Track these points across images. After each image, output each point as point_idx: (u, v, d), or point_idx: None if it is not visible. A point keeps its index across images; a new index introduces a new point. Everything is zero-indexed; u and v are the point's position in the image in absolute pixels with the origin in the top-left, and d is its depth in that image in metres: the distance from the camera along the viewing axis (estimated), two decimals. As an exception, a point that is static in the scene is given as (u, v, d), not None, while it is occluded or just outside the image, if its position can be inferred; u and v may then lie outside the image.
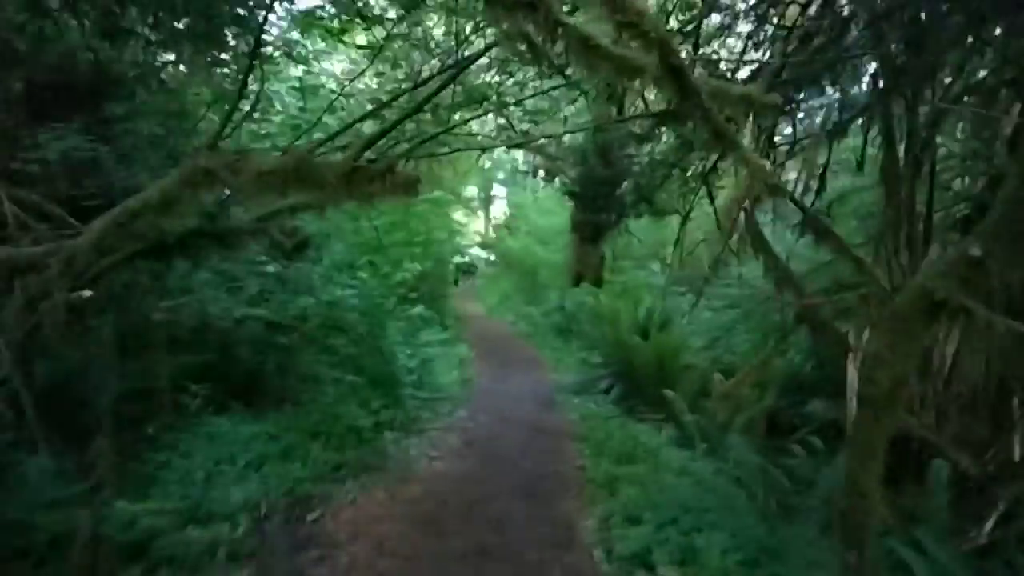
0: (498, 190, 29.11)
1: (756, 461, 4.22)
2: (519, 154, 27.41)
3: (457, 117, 5.33)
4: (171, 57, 6.11)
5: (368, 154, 4.13)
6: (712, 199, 8.17)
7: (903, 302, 3.06)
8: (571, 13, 3.05)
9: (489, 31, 4.96)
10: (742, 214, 11.72)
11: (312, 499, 4.50)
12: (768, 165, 7.35)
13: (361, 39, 6.88)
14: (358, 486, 4.72)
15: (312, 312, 6.49)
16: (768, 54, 6.78)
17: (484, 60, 6.82)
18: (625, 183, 7.18)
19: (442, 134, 4.53)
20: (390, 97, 4.71)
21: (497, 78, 6.43)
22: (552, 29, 2.75)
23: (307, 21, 6.65)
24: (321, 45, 8.22)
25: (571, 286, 14.12)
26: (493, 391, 7.90)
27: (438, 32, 5.68)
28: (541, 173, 25.43)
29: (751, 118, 5.21)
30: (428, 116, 5.49)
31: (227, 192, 4.42)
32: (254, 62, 3.83)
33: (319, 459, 5.05)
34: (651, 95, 7.83)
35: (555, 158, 15.34)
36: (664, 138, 7.16)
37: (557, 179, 19.50)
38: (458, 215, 21.26)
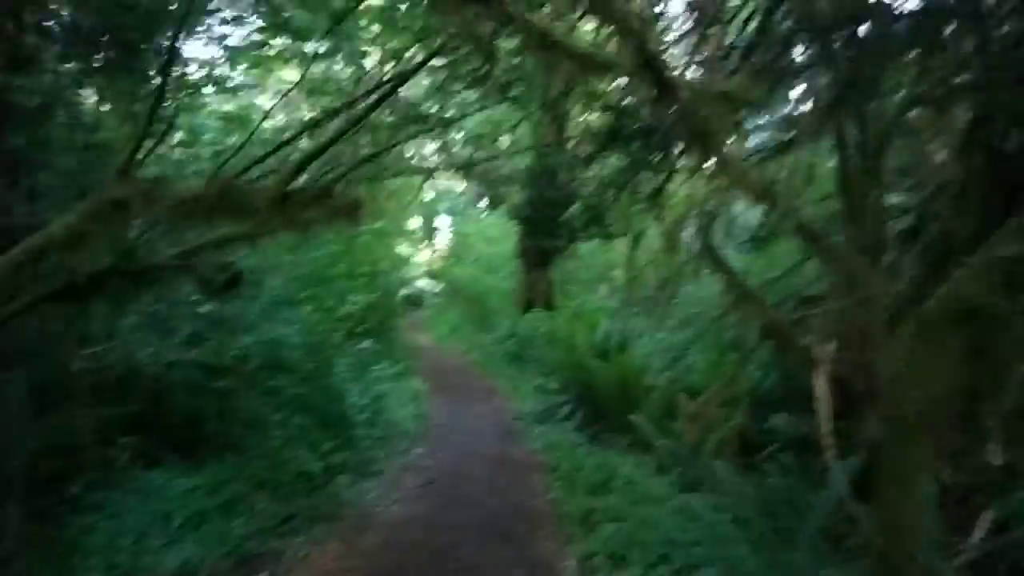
0: (442, 221, 28.82)
1: (741, 485, 3.94)
2: (462, 184, 27.25)
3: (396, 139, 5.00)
4: (82, 90, 5.66)
5: (304, 181, 3.79)
6: (660, 219, 8.01)
7: (932, 310, 2.80)
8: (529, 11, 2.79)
9: (427, 47, 4.74)
10: (689, 233, 11.61)
11: (259, 558, 4.02)
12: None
13: (293, 74, 6.61)
14: (310, 539, 4.24)
15: (252, 352, 6.00)
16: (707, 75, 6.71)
17: (423, 82, 6.60)
18: (574, 205, 6.97)
19: (380, 154, 4.20)
20: (322, 115, 4.36)
21: (437, 102, 6.18)
22: (506, 22, 2.47)
23: (235, 53, 6.29)
24: (251, 78, 7.89)
25: (521, 312, 13.85)
26: (451, 424, 7.48)
27: (372, 49, 5.42)
28: (484, 201, 25.29)
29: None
30: (365, 139, 5.18)
31: (147, 226, 3.99)
32: (165, 83, 3.43)
33: (265, 511, 4.56)
34: (594, 116, 7.69)
35: (499, 184, 15.16)
36: (612, 159, 6.98)
37: (502, 206, 19.35)
38: (403, 247, 20.87)
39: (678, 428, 6.13)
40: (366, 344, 7.13)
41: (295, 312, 6.08)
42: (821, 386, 5.47)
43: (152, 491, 4.64)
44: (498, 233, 18.33)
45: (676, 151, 7.02)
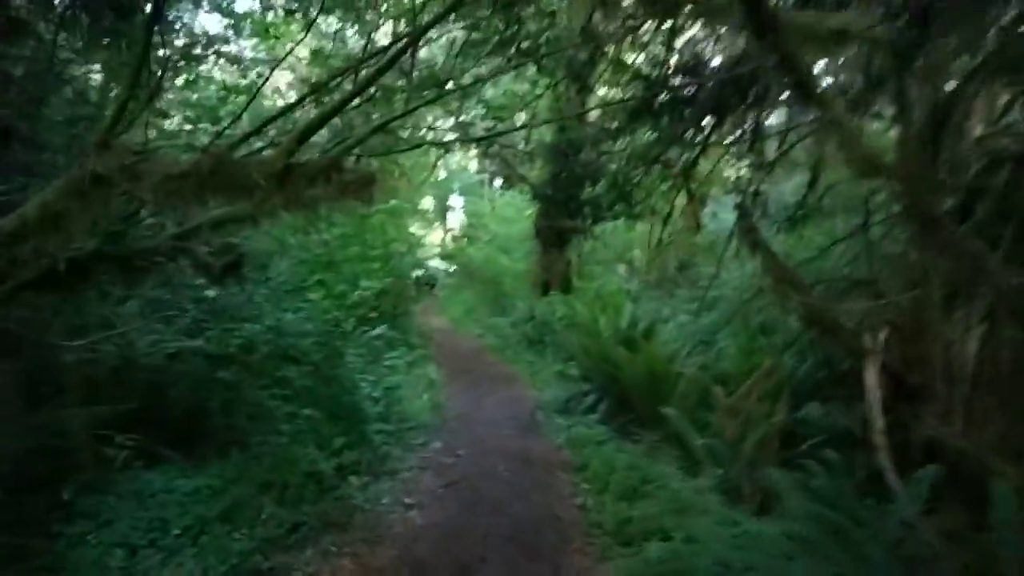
0: (454, 201, 28.29)
1: (802, 501, 3.49)
2: (475, 163, 26.67)
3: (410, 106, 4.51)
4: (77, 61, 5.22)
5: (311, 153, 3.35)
6: (691, 196, 7.49)
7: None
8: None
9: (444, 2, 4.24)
10: (714, 211, 10.95)
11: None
12: (761, 158, 6.75)
13: (304, 50, 6.19)
14: (319, 553, 3.84)
15: (258, 341, 5.60)
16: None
17: (440, 45, 6.11)
18: (600, 182, 6.47)
19: (395, 121, 3.72)
20: (328, 79, 3.87)
21: (455, 68, 5.69)
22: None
23: (238, 18, 5.82)
24: (262, 52, 7.43)
25: (538, 295, 13.40)
26: (469, 415, 7.07)
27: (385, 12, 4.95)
28: (498, 181, 24.73)
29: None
30: (377, 109, 4.72)
31: (137, 205, 3.55)
32: (149, 42, 2.97)
33: (271, 519, 4.18)
34: (622, 88, 7.17)
35: (517, 162, 14.63)
36: (640, 133, 6.48)
37: (518, 186, 18.81)
38: (416, 227, 20.41)
39: (713, 423, 5.69)
40: (379, 331, 6.70)
41: (303, 298, 5.65)
42: (871, 378, 5.00)
43: (150, 494, 4.29)
44: (513, 213, 17.84)
45: (709, 125, 6.52)
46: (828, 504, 4.19)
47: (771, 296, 6.20)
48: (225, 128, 3.78)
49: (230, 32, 6.38)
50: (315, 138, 3.34)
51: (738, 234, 5.94)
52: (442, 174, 24.89)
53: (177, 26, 6.03)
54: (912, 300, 5.06)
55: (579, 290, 12.29)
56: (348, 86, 3.48)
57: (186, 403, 5.29)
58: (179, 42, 5.94)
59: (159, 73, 3.79)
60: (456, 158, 26.37)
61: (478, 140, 6.56)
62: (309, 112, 3.92)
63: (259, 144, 3.13)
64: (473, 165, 26.51)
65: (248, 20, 6.09)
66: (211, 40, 6.10)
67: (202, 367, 5.46)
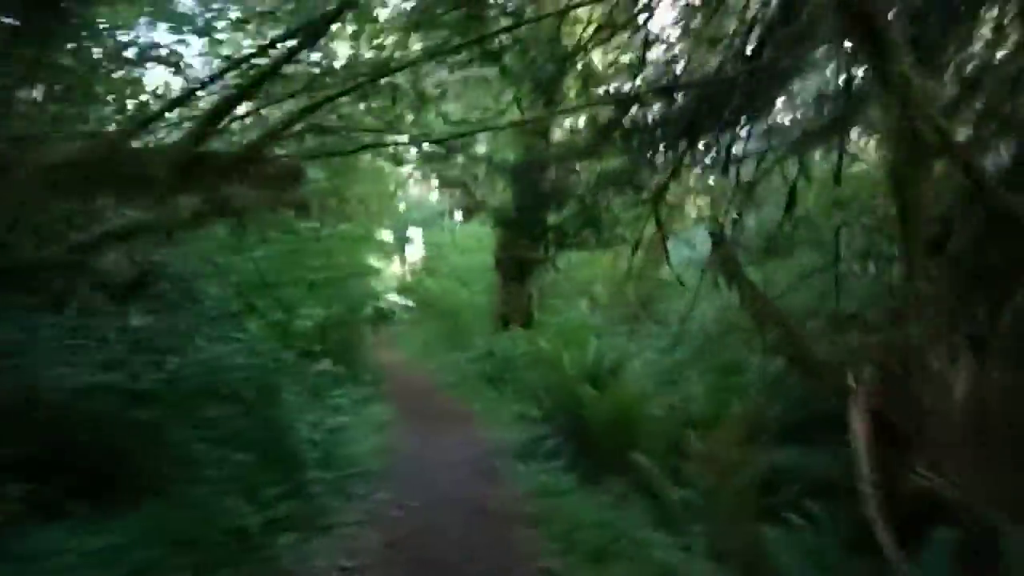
0: (414, 233, 27.70)
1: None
2: (435, 194, 26.23)
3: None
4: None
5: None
6: (660, 224, 7.15)
7: None
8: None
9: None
10: (679, 241, 10.58)
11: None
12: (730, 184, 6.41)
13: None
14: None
15: (183, 376, 4.94)
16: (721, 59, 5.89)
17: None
18: (566, 205, 6.04)
19: (322, 105, 3.18)
20: (256, 50, 3.33)
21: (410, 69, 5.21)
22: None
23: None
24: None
25: (498, 329, 12.87)
26: (420, 459, 6.45)
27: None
28: (459, 214, 24.30)
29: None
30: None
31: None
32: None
33: (185, 585, 3.52)
34: (587, 105, 6.81)
35: (475, 189, 14.20)
36: (611, 154, 6.09)
37: (478, 217, 18.38)
38: (373, 258, 19.80)
39: (685, 470, 5.20)
40: (324, 365, 6.08)
41: (236, 327, 5.02)
42: (856, 421, 4.58)
43: (39, 557, 3.60)
44: (474, 244, 17.37)
45: (682, 147, 6.16)
46: (819, 566, 3.75)
47: (748, 331, 5.81)
48: (119, 113, 3.22)
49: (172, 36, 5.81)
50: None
51: (713, 264, 5.55)
52: (401, 207, 24.37)
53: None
54: (899, 336, 4.69)
55: (541, 325, 11.81)
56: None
57: (98, 446, 4.60)
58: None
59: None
60: (416, 191, 25.94)
61: (433, 141, 6.04)
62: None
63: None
64: (434, 196, 26.07)
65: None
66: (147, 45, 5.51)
67: (118, 405, 4.80)
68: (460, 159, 8.80)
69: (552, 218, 6.46)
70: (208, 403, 5.10)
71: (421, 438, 7.32)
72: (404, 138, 6.37)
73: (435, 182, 25.90)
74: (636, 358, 7.62)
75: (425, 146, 7.27)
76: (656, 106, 5.95)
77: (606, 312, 12.42)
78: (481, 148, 9.74)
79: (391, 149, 6.67)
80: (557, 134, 7.60)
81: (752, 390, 6.67)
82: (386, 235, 25.62)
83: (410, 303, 22.63)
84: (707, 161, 6.38)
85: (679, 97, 5.87)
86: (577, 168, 6.11)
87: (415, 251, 27.85)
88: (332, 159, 9.15)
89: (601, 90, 5.88)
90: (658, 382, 7.47)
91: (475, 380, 10.73)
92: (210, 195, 2.73)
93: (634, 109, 5.95)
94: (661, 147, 6.12)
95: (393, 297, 25.25)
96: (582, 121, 6.45)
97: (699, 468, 5.03)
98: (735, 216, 6.94)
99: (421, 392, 10.56)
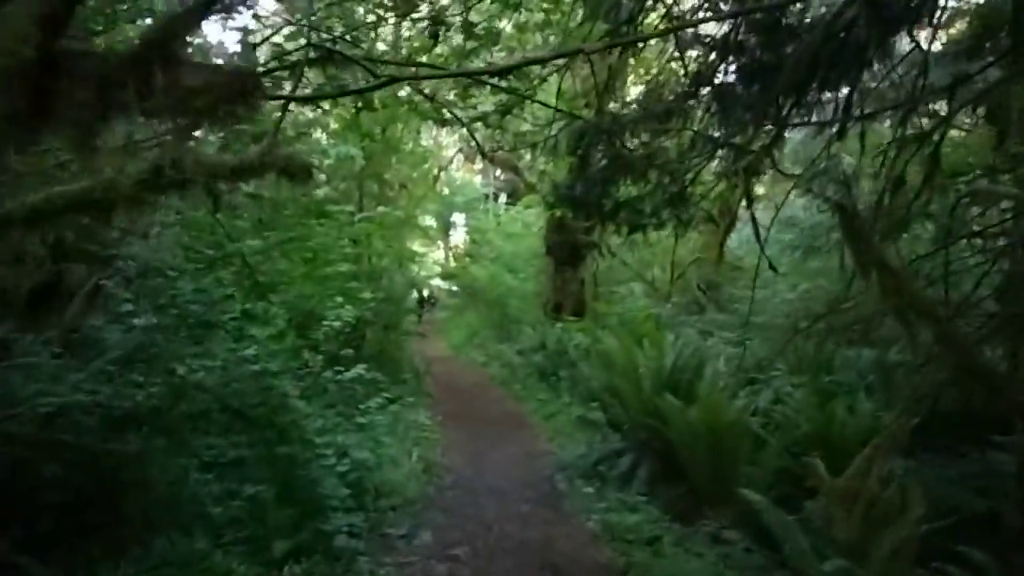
0: (458, 218, 26.62)
1: None
2: (479, 178, 25.11)
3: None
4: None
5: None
6: (750, 200, 5.83)
7: None
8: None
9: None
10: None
11: None
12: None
13: None
14: None
15: (178, 395, 3.90)
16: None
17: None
18: (647, 177, 4.77)
19: None
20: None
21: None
22: None
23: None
24: None
25: (548, 318, 11.70)
26: (470, 483, 5.34)
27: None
28: (503, 197, 23.11)
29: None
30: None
31: None
32: None
33: None
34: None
35: (524, 170, 12.99)
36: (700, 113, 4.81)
37: (523, 200, 17.17)
38: (416, 244, 18.80)
39: (810, 509, 3.97)
40: (355, 372, 4.99)
41: (238, 335, 3.95)
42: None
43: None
44: (519, 228, 16.19)
45: (788, 103, 4.87)
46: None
47: (899, 324, 4.51)
48: None
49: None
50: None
51: (845, 240, 4.26)
52: (444, 190, 23.29)
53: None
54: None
55: (597, 314, 10.58)
56: None
57: (67, 485, 3.61)
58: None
59: None
60: (458, 174, 24.83)
61: (478, 74, 4.81)
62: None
63: None
64: (477, 180, 24.93)
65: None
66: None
67: (95, 432, 3.80)
68: (512, 126, 7.52)
69: (624, 192, 5.19)
70: (207, 429, 4.08)
71: (469, 450, 6.21)
72: (444, 72, 5.14)
73: (479, 164, 24.80)
74: (717, 356, 6.35)
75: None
76: (758, 52, 4.65)
77: (666, 299, 11.15)
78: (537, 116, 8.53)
79: (426, 91, 5.44)
80: (632, 91, 6.38)
81: (859, 395, 5.43)
82: (429, 220, 24.67)
83: (454, 289, 21.64)
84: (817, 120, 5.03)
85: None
86: (657, 133, 4.81)
87: (459, 236, 26.82)
88: (366, 138, 8.08)
89: (690, 32, 4.60)
90: (743, 384, 6.25)
91: (527, 376, 9.59)
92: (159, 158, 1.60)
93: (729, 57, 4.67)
94: (761, 104, 4.80)
95: (437, 283, 24.35)
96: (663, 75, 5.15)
97: (832, 508, 3.80)
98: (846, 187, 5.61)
99: (468, 391, 9.46)
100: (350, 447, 4.49)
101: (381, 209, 6.91)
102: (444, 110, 7.17)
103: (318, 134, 8.76)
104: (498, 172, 23.74)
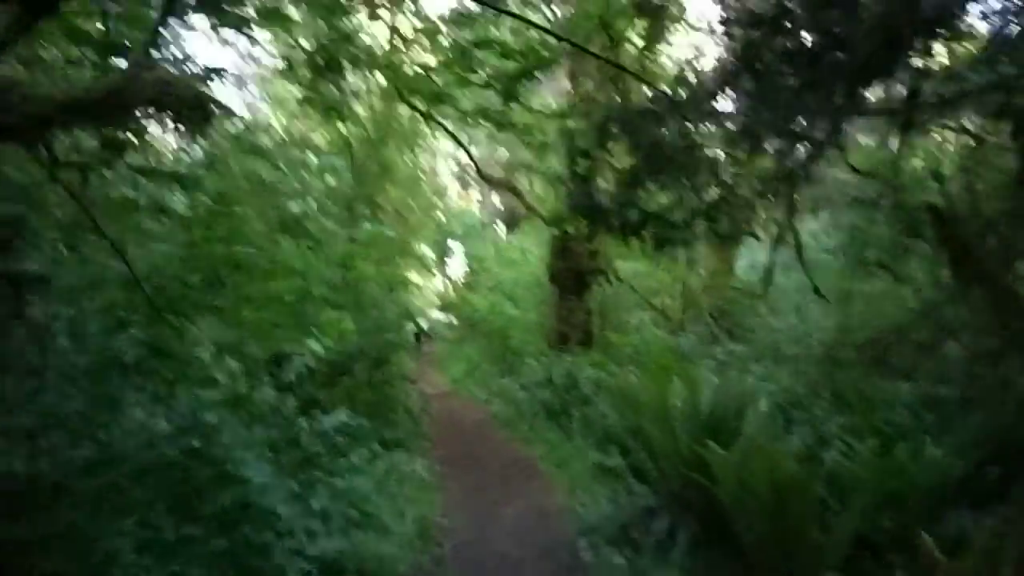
0: (454, 246, 25.77)
1: None
2: (476, 205, 24.34)
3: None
4: None
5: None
6: (792, 209, 5.05)
7: None
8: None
9: None
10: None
11: None
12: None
13: None
14: None
15: (104, 456, 2.96)
16: None
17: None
18: (690, 178, 3.91)
19: None
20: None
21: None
22: None
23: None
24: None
25: (553, 350, 10.77)
26: (474, 552, 4.37)
27: None
28: (501, 227, 22.31)
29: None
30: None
31: None
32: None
33: None
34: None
35: (525, 192, 12.16)
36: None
37: (522, 226, 16.37)
38: (412, 273, 17.93)
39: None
40: (336, 419, 4.05)
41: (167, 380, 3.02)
42: None
43: None
44: (519, 256, 15.34)
45: (840, 93, 4.05)
46: None
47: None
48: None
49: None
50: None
51: (939, 249, 3.40)
52: (441, 219, 22.49)
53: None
54: None
55: (607, 345, 9.67)
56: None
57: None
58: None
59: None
60: (455, 200, 24.06)
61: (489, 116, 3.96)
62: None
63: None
64: (475, 209, 24.15)
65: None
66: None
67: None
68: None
69: (650, 200, 4.32)
70: (153, 497, 3.13)
71: (474, 509, 5.23)
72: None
73: (476, 193, 24.05)
74: (755, 395, 5.42)
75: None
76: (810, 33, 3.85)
77: (678, 328, 10.23)
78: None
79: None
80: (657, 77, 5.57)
81: (920, 437, 4.50)
82: (426, 249, 23.82)
83: (453, 320, 20.68)
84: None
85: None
86: (688, 127, 3.96)
87: (457, 266, 25.94)
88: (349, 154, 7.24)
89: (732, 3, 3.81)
90: (787, 427, 5.35)
91: (533, 414, 8.62)
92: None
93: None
94: (815, 91, 3.97)
95: (435, 315, 23.39)
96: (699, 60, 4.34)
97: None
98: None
99: (470, 432, 8.47)
100: (328, 515, 3.54)
101: (368, 227, 5.99)
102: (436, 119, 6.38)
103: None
104: (496, 200, 23.00)
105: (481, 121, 8.64)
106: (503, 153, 15.28)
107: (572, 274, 11.03)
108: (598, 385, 7.91)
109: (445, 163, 21.21)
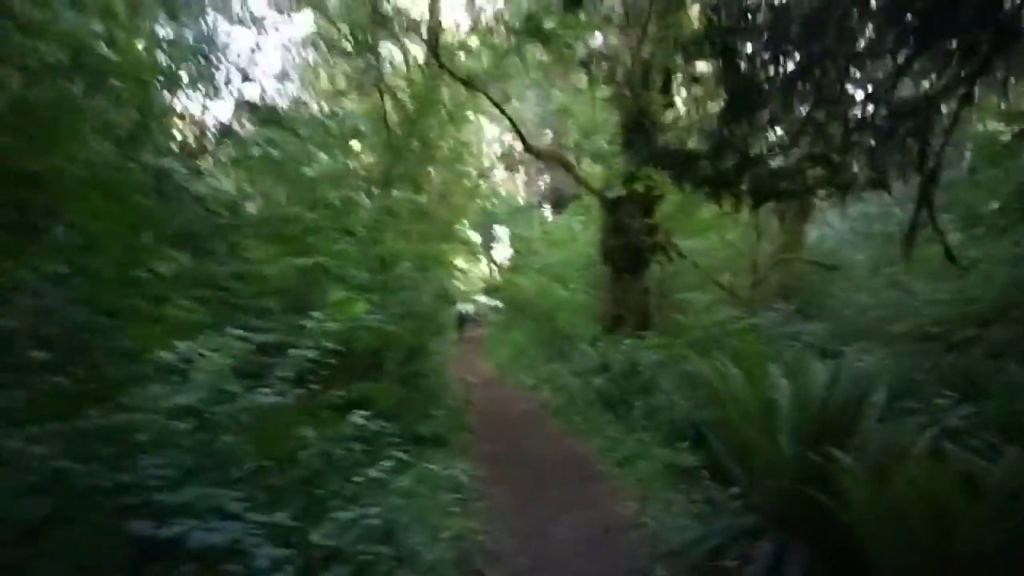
0: (500, 232, 24.80)
1: None
2: (522, 190, 23.34)
3: None
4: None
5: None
6: (924, 156, 3.87)
7: None
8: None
9: None
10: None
11: None
12: None
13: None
14: None
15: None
16: None
17: None
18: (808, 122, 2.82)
19: None
20: None
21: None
22: None
23: None
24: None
25: (605, 332, 9.73)
26: (526, 583, 3.41)
27: None
28: (548, 209, 21.26)
29: None
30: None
31: None
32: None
33: None
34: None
35: (575, 166, 11.11)
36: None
37: (571, 207, 15.32)
38: (458, 258, 17.05)
39: None
40: (357, 419, 3.14)
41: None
42: None
43: None
44: (567, 236, 14.30)
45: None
46: None
47: None
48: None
49: None
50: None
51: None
52: (487, 204, 21.55)
53: None
54: None
55: (678, 327, 8.58)
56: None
57: None
58: None
59: None
60: (499, 181, 23.10)
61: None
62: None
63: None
64: (520, 191, 23.15)
65: None
66: None
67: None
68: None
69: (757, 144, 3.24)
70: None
71: (525, 523, 4.27)
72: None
73: (522, 175, 23.01)
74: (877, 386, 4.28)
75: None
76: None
77: (748, 307, 9.04)
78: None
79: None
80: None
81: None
82: (473, 234, 22.92)
83: (499, 304, 19.75)
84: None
85: None
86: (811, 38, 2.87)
87: (503, 250, 24.99)
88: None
89: None
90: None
91: (588, 404, 7.62)
92: None
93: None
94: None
95: (481, 298, 22.53)
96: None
97: None
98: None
99: (517, 424, 7.52)
100: (335, 552, 2.62)
101: (398, 195, 5.02)
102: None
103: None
104: (543, 181, 21.93)
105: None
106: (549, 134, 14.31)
107: (627, 251, 9.95)
108: (661, 370, 6.87)
109: (489, 148, 20.27)
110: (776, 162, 3.33)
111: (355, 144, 5.74)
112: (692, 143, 3.48)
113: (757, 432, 3.85)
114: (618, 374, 7.65)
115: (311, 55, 13.80)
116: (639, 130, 6.81)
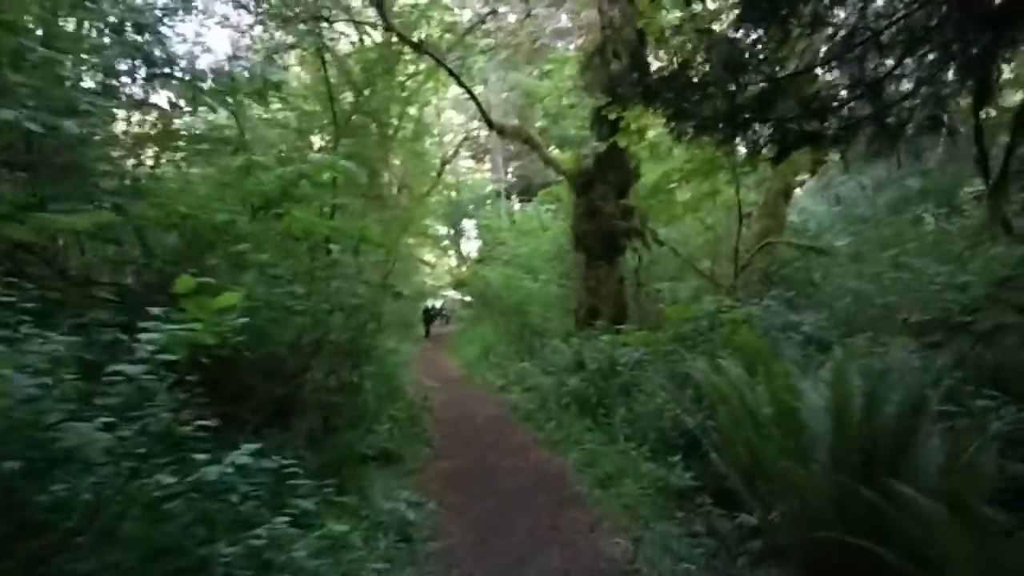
0: (467, 224, 23.77)
1: None
2: (489, 176, 22.36)
3: None
4: None
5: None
6: (981, 99, 2.96)
7: None
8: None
9: None
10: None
11: None
12: None
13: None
14: None
15: None
16: None
17: None
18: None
19: None
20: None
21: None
22: None
23: None
24: None
25: (579, 325, 8.84)
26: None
27: None
28: (515, 201, 20.31)
29: None
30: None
31: None
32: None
33: None
34: None
35: (543, 147, 10.17)
36: None
37: (540, 196, 14.39)
38: (426, 254, 16.01)
39: None
40: (238, 458, 2.16)
41: None
42: None
43: None
44: (536, 225, 13.39)
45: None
46: None
47: None
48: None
49: None
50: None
51: None
52: (452, 194, 20.49)
53: None
54: None
55: (648, 319, 7.71)
56: None
57: None
58: None
59: None
60: (464, 169, 22.11)
61: None
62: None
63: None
64: (488, 179, 22.14)
65: None
66: None
67: None
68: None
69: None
70: None
71: (486, 572, 3.31)
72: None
73: (488, 164, 22.01)
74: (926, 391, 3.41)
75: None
76: None
77: (732, 295, 8.20)
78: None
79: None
80: None
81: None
82: (440, 228, 21.85)
83: (467, 299, 18.72)
84: None
85: None
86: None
87: (469, 243, 23.98)
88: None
89: None
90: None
91: (562, 407, 6.69)
92: None
93: None
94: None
95: (450, 293, 21.50)
96: None
97: None
98: None
99: (482, 432, 6.55)
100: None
101: (315, 157, 3.95)
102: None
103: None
104: (509, 170, 20.97)
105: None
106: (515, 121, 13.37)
107: (601, 237, 9.05)
108: (644, 369, 5.98)
109: (454, 135, 19.24)
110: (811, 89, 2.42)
111: (275, 101, 4.72)
112: (696, 62, 2.53)
113: (776, 450, 2.95)
114: (595, 373, 6.73)
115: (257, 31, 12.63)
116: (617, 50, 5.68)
